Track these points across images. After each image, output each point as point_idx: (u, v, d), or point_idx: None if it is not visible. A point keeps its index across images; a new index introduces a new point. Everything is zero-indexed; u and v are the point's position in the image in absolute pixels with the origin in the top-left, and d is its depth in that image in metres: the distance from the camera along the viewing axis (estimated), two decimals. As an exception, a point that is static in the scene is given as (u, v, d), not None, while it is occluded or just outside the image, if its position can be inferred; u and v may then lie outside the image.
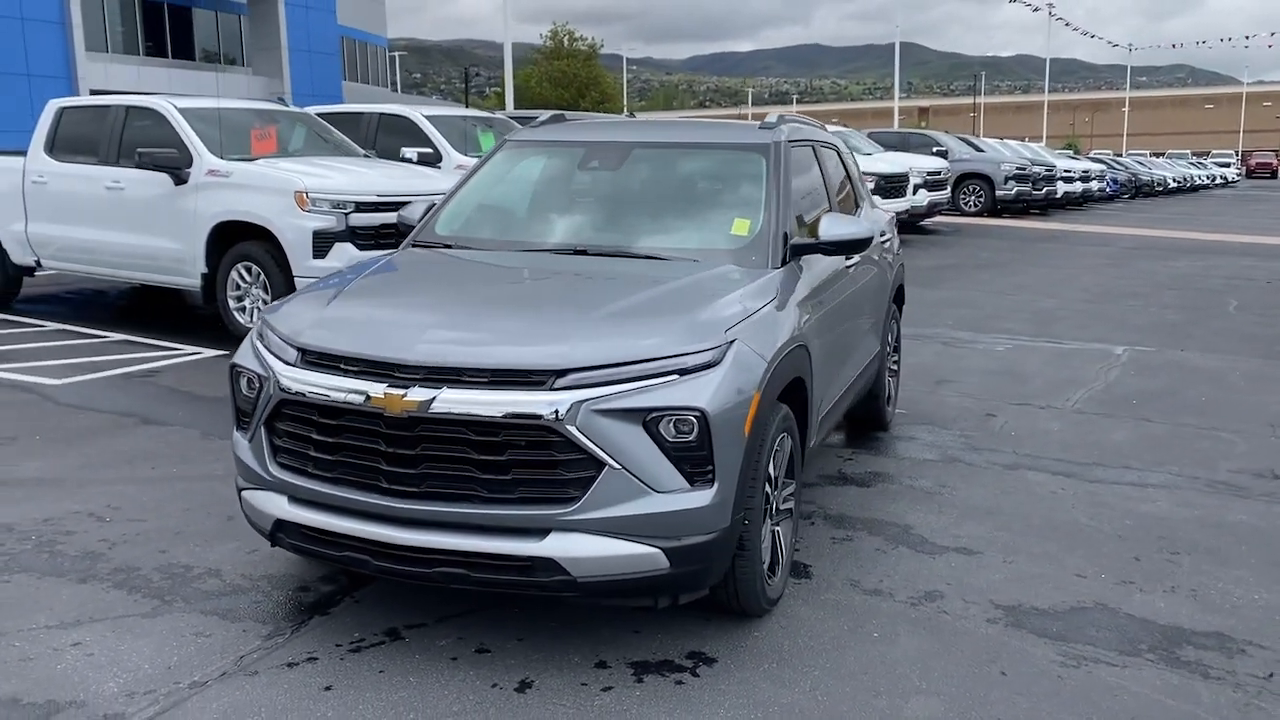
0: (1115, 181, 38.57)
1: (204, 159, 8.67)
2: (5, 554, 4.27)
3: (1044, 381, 7.72)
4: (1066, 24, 60.35)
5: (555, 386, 3.19)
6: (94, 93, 28.74)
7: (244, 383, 3.66)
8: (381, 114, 12.04)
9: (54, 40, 32.51)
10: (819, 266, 4.50)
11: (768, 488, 3.67)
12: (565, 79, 50.26)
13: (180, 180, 8.68)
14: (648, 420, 3.22)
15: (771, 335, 3.66)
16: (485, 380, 3.22)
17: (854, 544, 4.51)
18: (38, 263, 9.99)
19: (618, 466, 3.19)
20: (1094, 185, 33.04)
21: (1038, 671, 3.44)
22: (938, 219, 22.23)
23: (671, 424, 3.24)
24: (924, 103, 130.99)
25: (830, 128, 21.18)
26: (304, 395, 3.39)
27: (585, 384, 3.20)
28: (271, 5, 40.56)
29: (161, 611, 3.77)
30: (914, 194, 19.13)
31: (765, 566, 3.72)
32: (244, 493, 3.68)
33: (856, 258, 5.03)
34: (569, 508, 3.19)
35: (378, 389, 3.25)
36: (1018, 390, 7.41)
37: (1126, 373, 8.07)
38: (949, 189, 21.90)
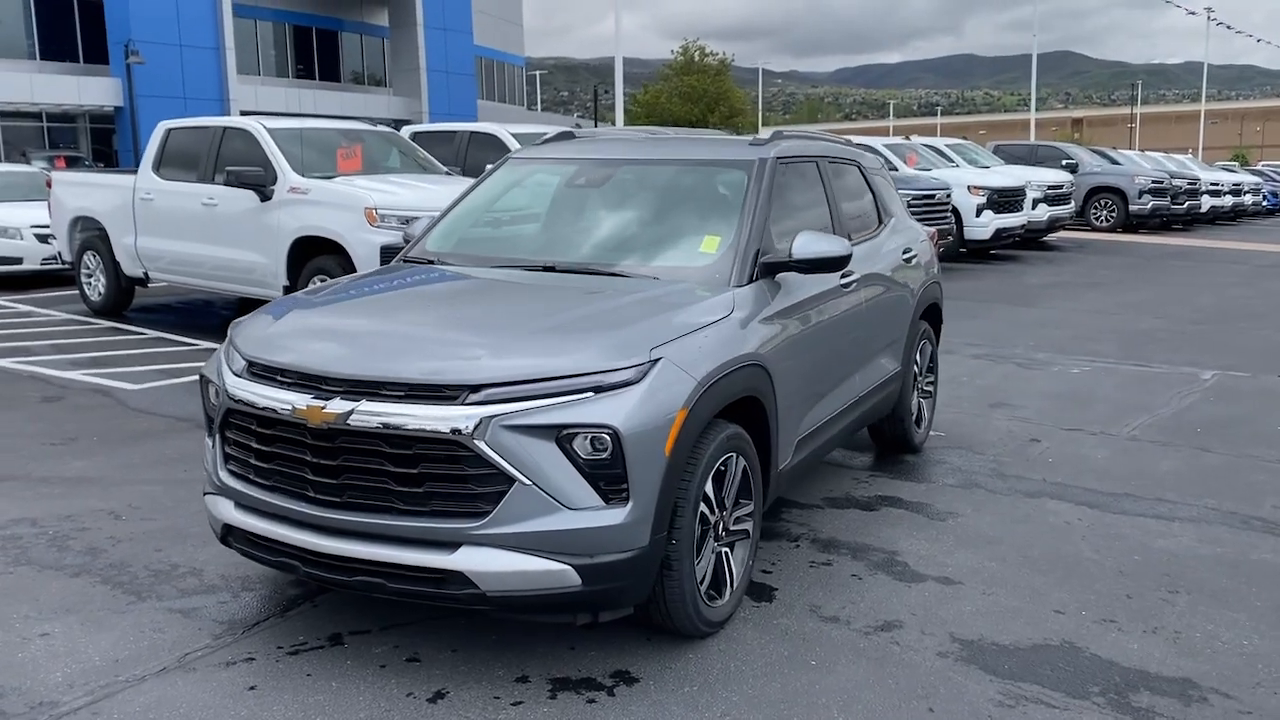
0: (1275, 195, 36.29)
1: (287, 177, 9.11)
2: (19, 547, 4.58)
3: (1108, 406, 7.33)
4: (1229, 28, 57.08)
5: (467, 401, 3.23)
6: (244, 114, 30.46)
7: (211, 392, 3.84)
8: (471, 132, 12.42)
9: (209, 65, 34.71)
10: (802, 284, 4.40)
11: (705, 508, 3.62)
12: (694, 94, 50.41)
13: (265, 197, 9.15)
14: (560, 437, 3.23)
15: (711, 353, 3.61)
16: (401, 394, 3.28)
17: (831, 569, 4.39)
18: (146, 274, 10.66)
19: (528, 482, 3.21)
20: (1247, 199, 31.16)
21: (969, 710, 3.28)
22: (1061, 234, 21.37)
23: (586, 441, 3.24)
24: (1078, 114, 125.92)
25: (948, 140, 20.71)
26: (245, 404, 3.53)
27: (498, 399, 3.23)
28: (411, 28, 42.27)
29: (133, 607, 3.98)
30: (1032, 208, 18.46)
31: (705, 588, 3.66)
32: (205, 496, 3.85)
33: (856, 275, 4.91)
34: (479, 522, 3.23)
35: (302, 400, 3.36)
36: (1076, 415, 7.06)
37: (1205, 398, 7.59)
38: (1073, 203, 21.02)
